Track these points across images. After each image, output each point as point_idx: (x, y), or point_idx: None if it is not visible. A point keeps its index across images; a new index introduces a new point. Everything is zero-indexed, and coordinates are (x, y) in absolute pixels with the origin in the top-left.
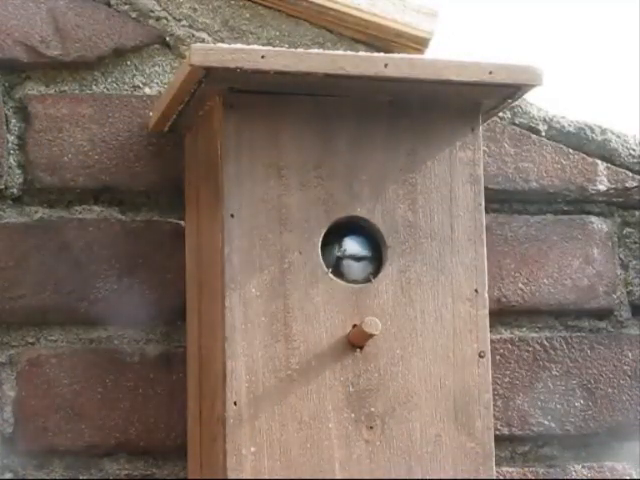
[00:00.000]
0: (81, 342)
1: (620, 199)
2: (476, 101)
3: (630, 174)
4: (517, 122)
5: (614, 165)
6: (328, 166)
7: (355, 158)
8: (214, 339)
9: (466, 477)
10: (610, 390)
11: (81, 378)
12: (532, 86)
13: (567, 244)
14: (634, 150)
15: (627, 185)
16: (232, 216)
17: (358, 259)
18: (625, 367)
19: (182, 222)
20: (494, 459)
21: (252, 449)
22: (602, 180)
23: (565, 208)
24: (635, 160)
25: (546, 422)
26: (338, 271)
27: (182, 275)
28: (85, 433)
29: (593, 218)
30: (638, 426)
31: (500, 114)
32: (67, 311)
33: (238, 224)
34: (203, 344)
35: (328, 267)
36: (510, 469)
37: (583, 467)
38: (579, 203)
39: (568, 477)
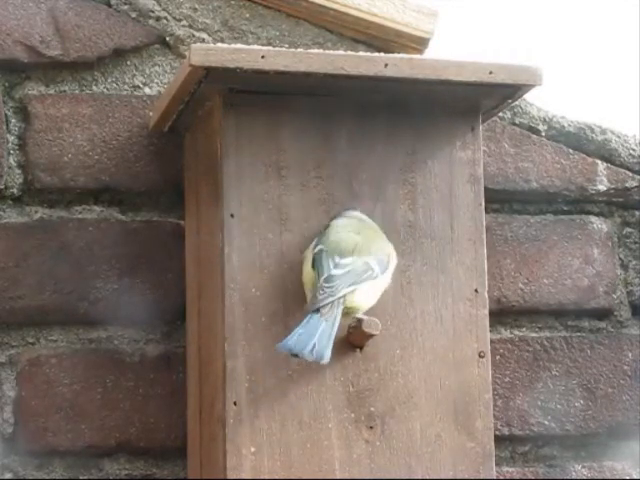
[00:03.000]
0: (81, 342)
1: (620, 199)
2: (476, 101)
3: (630, 174)
4: (517, 122)
5: (614, 165)
6: (328, 166)
7: (355, 158)
8: (214, 339)
9: (466, 477)
10: (610, 390)
11: (81, 378)
12: (532, 86)
13: (567, 244)
14: (634, 150)
15: (627, 185)
16: (232, 216)
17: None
18: (625, 367)
19: (182, 222)
20: (494, 459)
21: (252, 449)
22: (602, 180)
23: (565, 208)
24: (635, 160)
25: (546, 422)
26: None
27: (182, 275)
28: (85, 433)
29: (593, 218)
30: (638, 426)
31: (500, 114)
32: (67, 311)
33: (238, 224)
34: (203, 344)
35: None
36: (510, 469)
37: (583, 467)
38: (579, 203)
39: (568, 477)
